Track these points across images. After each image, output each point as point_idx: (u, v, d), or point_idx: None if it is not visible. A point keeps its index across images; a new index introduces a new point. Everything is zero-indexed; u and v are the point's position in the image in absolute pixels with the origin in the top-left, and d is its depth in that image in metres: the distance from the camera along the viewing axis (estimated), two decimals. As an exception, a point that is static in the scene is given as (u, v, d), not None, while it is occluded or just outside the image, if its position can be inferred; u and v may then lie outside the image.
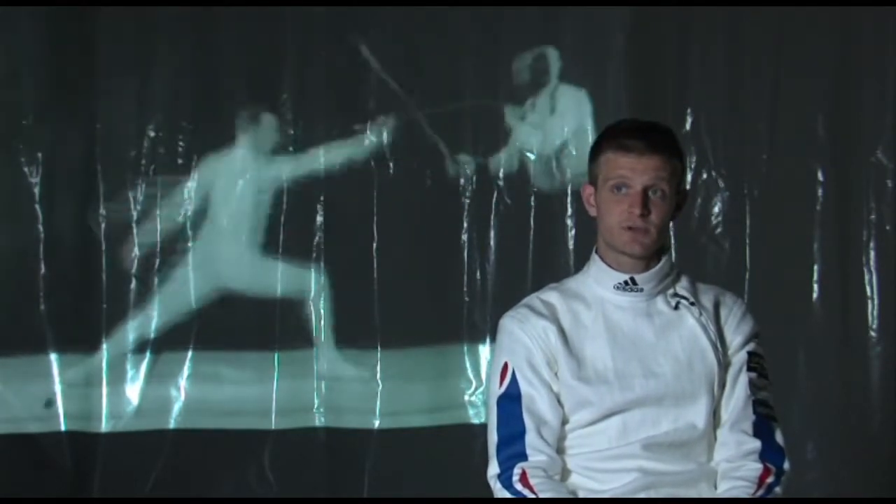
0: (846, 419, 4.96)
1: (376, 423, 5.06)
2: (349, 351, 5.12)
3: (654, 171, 2.68)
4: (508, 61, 5.15)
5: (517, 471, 2.65)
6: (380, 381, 5.08)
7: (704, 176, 5.04)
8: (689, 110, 5.04)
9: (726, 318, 2.78)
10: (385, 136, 5.11)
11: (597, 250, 2.78)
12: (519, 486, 2.65)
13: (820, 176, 5.00)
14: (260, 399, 5.07)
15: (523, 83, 5.16)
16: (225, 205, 5.14)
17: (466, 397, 5.10)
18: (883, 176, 4.98)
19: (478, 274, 5.10)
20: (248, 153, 5.12)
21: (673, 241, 4.34)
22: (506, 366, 2.73)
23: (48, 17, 5.03)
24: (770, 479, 2.69)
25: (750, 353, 2.77)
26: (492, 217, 5.10)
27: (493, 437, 2.71)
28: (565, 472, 2.70)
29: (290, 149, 5.12)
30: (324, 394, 5.09)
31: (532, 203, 5.09)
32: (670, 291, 2.76)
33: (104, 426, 5.02)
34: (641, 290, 2.73)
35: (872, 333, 4.96)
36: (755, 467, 2.69)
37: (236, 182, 5.13)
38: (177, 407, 5.06)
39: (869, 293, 4.96)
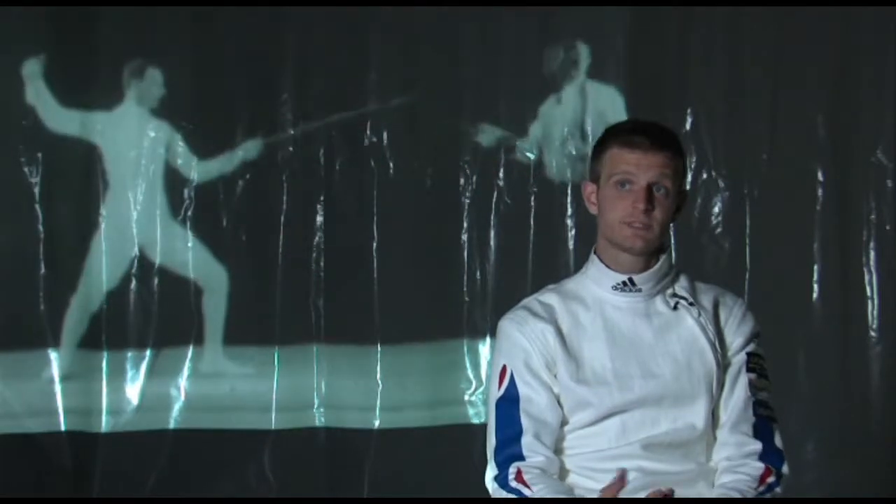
0: (846, 419, 4.96)
1: (376, 423, 5.06)
2: (348, 347, 5.13)
3: (659, 167, 2.67)
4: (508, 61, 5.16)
5: (513, 469, 2.65)
6: (380, 381, 5.08)
7: (704, 176, 5.04)
8: (689, 110, 5.04)
9: (726, 319, 2.77)
10: (385, 136, 5.11)
11: (595, 251, 2.78)
12: (514, 484, 2.64)
13: (820, 176, 5.01)
14: (260, 395, 5.08)
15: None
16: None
17: (466, 397, 5.11)
18: (883, 176, 4.98)
19: (478, 274, 5.10)
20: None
21: (673, 241, 4.34)
22: (504, 368, 2.72)
23: (48, 17, 5.03)
24: (771, 479, 2.68)
25: (750, 354, 2.76)
26: (492, 217, 5.10)
27: (491, 440, 2.71)
28: (564, 472, 2.70)
29: (290, 149, 5.13)
30: (323, 392, 5.09)
31: (532, 203, 5.10)
32: (669, 291, 2.76)
33: (104, 426, 5.04)
34: (640, 290, 2.73)
35: (872, 333, 4.96)
36: (757, 466, 2.69)
37: None
38: (177, 406, 5.07)
39: (869, 293, 4.96)
